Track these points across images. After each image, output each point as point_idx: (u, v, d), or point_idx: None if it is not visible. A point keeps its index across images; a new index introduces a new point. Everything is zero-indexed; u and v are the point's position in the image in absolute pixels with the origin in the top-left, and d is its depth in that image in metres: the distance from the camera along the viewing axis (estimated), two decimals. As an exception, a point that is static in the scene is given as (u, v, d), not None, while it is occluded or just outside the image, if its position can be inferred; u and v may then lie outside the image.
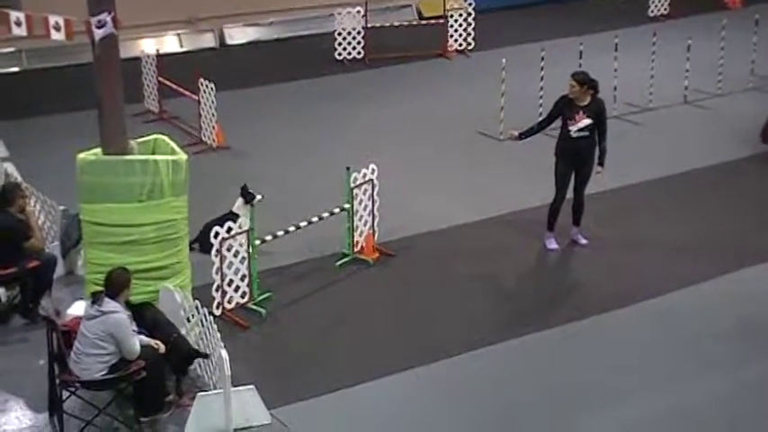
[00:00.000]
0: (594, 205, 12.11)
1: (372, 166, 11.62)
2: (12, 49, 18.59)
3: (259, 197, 11.31)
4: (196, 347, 8.86)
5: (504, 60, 15.28)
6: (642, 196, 13.32)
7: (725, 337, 9.88)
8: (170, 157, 9.38)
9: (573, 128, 11.30)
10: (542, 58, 15.56)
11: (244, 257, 10.37)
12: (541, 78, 15.31)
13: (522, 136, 11.82)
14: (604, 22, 20.38)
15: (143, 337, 8.59)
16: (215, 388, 8.55)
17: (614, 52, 16.02)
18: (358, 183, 11.43)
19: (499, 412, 8.79)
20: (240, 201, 11.42)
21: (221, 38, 20.52)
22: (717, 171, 14.02)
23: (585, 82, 11.29)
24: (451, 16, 19.59)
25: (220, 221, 10.57)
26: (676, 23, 20.77)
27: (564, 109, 11.38)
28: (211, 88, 14.69)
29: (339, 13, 19.02)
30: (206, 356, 8.79)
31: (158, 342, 8.63)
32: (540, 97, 15.22)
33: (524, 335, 9.97)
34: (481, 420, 8.68)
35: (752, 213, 12.63)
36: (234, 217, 10.89)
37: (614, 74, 15.95)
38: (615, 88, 15.98)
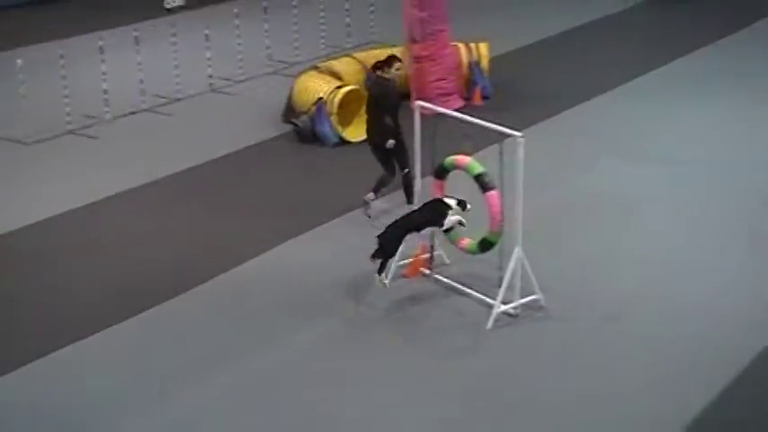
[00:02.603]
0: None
1: None
2: None
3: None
4: None
5: (19, 62, 14.78)
6: (180, 187, 13.50)
7: (272, 311, 10.38)
8: None
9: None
10: (62, 57, 15.24)
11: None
12: (63, 77, 14.99)
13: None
14: (120, 17, 20.33)
15: None
16: None
17: (136, 46, 16.05)
18: None
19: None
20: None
21: None
22: (249, 153, 14.59)
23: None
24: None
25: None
26: (193, 14, 21.22)
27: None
28: None
29: None
30: None
31: None
32: (66, 97, 14.92)
33: (106, 328, 9.78)
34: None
35: (288, 191, 13.30)
36: None
37: (139, 67, 16.00)
38: (142, 81, 16.06)
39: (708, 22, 20.45)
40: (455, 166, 10.28)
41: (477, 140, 10.63)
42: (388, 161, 12.22)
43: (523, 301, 10.08)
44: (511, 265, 9.93)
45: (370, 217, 12.27)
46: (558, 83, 16.89)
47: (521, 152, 9.55)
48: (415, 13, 15.37)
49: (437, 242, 10.84)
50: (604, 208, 12.43)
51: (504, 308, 9.99)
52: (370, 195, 12.36)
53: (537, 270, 10.09)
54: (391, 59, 12.02)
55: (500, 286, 9.97)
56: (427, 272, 10.86)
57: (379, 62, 12.10)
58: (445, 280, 10.70)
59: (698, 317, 10.04)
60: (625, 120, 15.25)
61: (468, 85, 16.22)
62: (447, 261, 10.97)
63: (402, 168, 12.16)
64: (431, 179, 10.63)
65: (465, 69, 16.21)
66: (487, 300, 10.15)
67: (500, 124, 9.97)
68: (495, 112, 14.00)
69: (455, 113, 10.83)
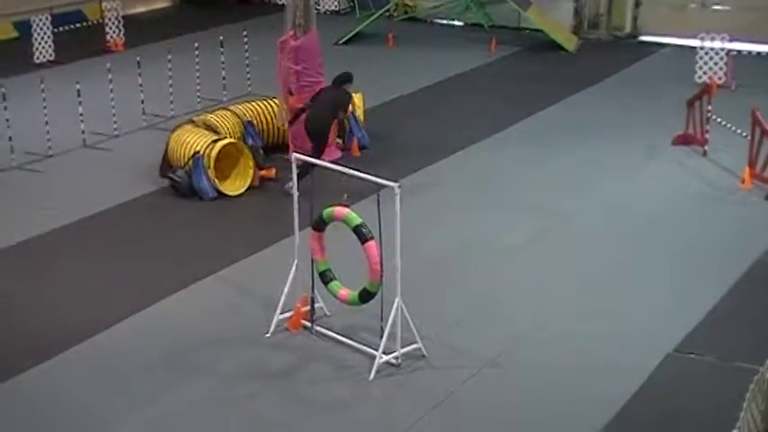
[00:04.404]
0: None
1: None
2: None
3: None
4: None
5: None
6: (52, 246, 13.15)
7: (149, 370, 10.16)
8: None
9: None
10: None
11: None
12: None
13: None
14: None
15: None
16: None
17: (3, 102, 15.65)
18: None
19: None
20: None
21: None
22: (125, 209, 14.31)
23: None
24: None
25: None
26: (64, 68, 20.83)
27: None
28: None
29: None
30: None
31: None
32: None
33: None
34: None
35: (165, 248, 13.09)
36: None
37: (7, 123, 15.59)
38: (11, 138, 15.63)
39: (571, 72, 21.10)
40: (333, 218, 10.29)
41: (354, 191, 10.67)
42: (319, 151, 14.08)
43: (405, 350, 10.10)
44: (391, 314, 9.96)
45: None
46: (433, 133, 17.14)
47: (398, 202, 9.64)
48: (291, 65, 15.42)
49: (318, 294, 10.80)
50: (482, 255, 12.61)
51: (385, 358, 9.99)
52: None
53: (418, 318, 10.14)
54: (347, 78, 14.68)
55: (382, 336, 9.98)
56: (308, 324, 10.79)
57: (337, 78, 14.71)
58: (327, 332, 10.65)
59: (578, 359, 10.22)
60: (498, 168, 15.55)
61: (346, 136, 16.30)
62: (328, 313, 10.94)
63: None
64: (309, 231, 10.61)
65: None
66: (369, 350, 10.14)
67: (377, 175, 10.05)
68: (372, 163, 14.12)
69: (332, 165, 10.87)
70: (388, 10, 24.67)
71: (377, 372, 9.89)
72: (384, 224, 9.87)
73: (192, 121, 15.67)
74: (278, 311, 10.69)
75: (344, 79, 14.87)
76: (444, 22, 25.29)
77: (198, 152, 14.51)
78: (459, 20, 25.09)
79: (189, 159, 14.56)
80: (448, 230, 13.35)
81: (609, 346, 10.44)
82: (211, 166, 14.45)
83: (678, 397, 9.61)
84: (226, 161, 14.79)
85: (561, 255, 12.63)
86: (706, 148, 15.76)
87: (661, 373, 9.94)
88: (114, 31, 22.87)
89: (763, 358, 8.36)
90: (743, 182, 14.57)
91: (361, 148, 16.33)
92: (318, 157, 12.97)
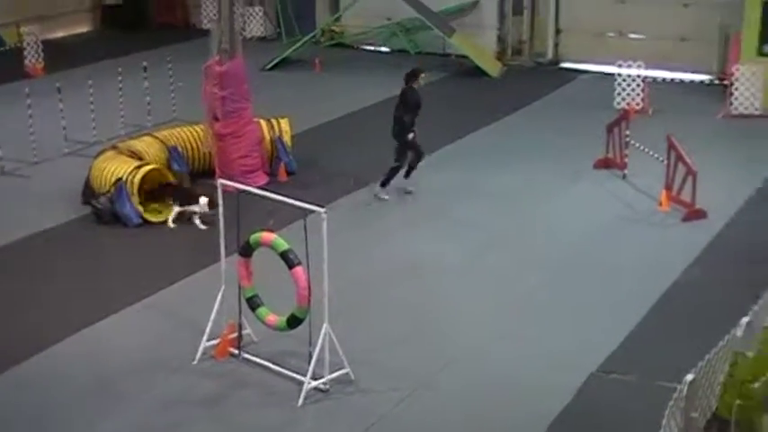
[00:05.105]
0: None
1: None
2: None
3: None
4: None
5: None
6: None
7: (77, 397, 10.01)
8: None
9: None
10: None
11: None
12: None
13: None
14: None
15: None
16: None
17: None
18: None
19: None
20: None
21: None
22: (45, 236, 14.11)
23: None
24: None
25: None
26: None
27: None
28: None
29: None
30: None
31: None
32: None
33: None
34: None
35: (88, 275, 12.93)
36: None
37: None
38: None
39: (495, 98, 21.40)
40: (260, 244, 10.29)
41: (281, 217, 10.69)
42: (402, 153, 15.17)
43: (333, 375, 10.11)
44: (319, 339, 9.97)
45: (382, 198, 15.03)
46: (361, 158, 17.22)
47: (324, 227, 9.67)
48: (216, 91, 15.40)
49: (245, 321, 10.77)
50: (410, 278, 12.69)
51: (314, 383, 9.99)
52: (378, 189, 15.22)
53: (346, 343, 10.17)
54: (417, 72, 15.30)
55: (310, 362, 9.98)
56: (236, 351, 10.74)
57: (407, 75, 15.29)
58: (255, 359, 10.62)
59: (506, 380, 10.34)
60: (426, 192, 15.68)
61: (273, 162, 16.33)
62: (255, 339, 10.90)
63: (419, 158, 15.34)
64: (236, 257, 10.58)
65: (268, 145, 16.32)
66: (297, 376, 10.13)
67: (305, 200, 10.08)
68: (299, 188, 14.15)
69: (259, 191, 10.88)
70: (314, 36, 24.77)
71: (305, 398, 9.89)
72: (312, 249, 9.90)
73: (116, 148, 15.53)
74: (205, 338, 10.63)
75: (410, 76, 15.31)
76: (371, 48, 25.47)
77: (121, 178, 14.38)
78: (385, 46, 25.30)
79: (111, 186, 14.42)
80: (376, 254, 13.42)
81: (536, 366, 10.58)
82: (135, 192, 14.33)
83: (602, 415, 9.79)
84: (151, 187, 14.68)
85: (489, 277, 12.78)
86: (625, 171, 16.11)
87: (586, 392, 10.12)
88: (33, 56, 22.56)
89: (681, 376, 8.55)
90: (660, 204, 14.92)
91: (289, 173, 16.34)
92: (401, 159, 15.14)
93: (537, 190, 15.78)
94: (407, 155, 15.31)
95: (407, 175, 15.46)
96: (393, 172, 15.32)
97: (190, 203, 14.24)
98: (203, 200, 14.13)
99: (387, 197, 15.30)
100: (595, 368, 10.53)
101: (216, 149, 15.55)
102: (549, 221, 14.59)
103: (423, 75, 15.47)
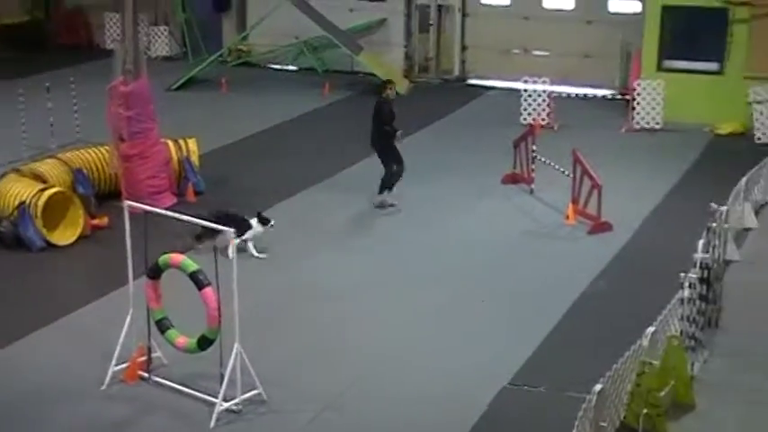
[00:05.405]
0: None
1: None
2: None
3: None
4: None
5: None
6: None
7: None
8: None
9: None
10: None
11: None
12: None
13: None
14: None
15: None
16: None
17: None
18: None
19: None
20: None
21: None
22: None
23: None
24: None
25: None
26: None
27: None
28: None
29: None
30: None
31: None
32: None
33: None
34: None
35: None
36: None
37: None
38: None
39: (403, 115, 21.52)
40: (169, 265, 10.16)
41: (190, 238, 10.58)
42: (388, 162, 15.57)
43: (245, 396, 10.02)
44: (231, 360, 9.88)
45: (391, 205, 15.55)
46: (269, 177, 17.16)
47: (233, 248, 9.60)
48: (121, 112, 15.19)
49: (155, 343, 10.61)
50: (321, 298, 12.66)
51: (226, 405, 9.89)
52: (378, 198, 15.52)
53: (258, 364, 10.09)
54: (385, 84, 16.06)
55: (222, 383, 9.87)
56: (146, 375, 10.58)
57: (378, 87, 16.28)
58: (165, 382, 10.46)
59: (417, 397, 10.38)
60: (334, 211, 15.69)
61: (181, 182, 16.16)
62: (165, 362, 10.74)
63: (397, 165, 15.60)
64: (144, 280, 10.43)
65: (176, 166, 16.15)
66: (209, 398, 10.01)
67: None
68: (208, 208, 14.01)
69: (166, 212, 10.75)
70: (221, 55, 24.62)
71: (217, 419, 9.78)
72: (222, 270, 9.81)
73: (18, 170, 15.19)
74: (113, 362, 10.43)
75: (380, 88, 16.11)
76: (278, 66, 25.42)
77: (24, 202, 14.07)
78: (293, 64, 25.27)
79: (14, 209, 14.10)
80: (287, 273, 13.36)
81: (447, 382, 10.64)
82: (38, 215, 14.03)
83: (514, 427, 9.89)
84: (55, 210, 14.39)
85: (398, 294, 12.82)
86: (532, 186, 16.36)
87: (497, 405, 10.21)
88: (-72, 78, 21.99)
89: (590, 387, 8.70)
90: (567, 218, 15.18)
91: (198, 193, 16.19)
92: (389, 171, 15.55)
93: (445, 206, 15.91)
94: (393, 159, 15.66)
95: (381, 190, 15.71)
96: (387, 179, 15.65)
97: (244, 232, 13.52)
98: (254, 223, 13.81)
99: (393, 202, 15.71)
100: (507, 381, 10.64)
101: (122, 171, 15.33)
102: (457, 237, 14.71)
103: (390, 86, 15.96)
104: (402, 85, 23.26)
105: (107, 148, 15.73)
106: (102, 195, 15.54)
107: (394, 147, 15.67)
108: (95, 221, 14.70)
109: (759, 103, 19.10)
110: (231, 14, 26.20)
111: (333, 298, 12.65)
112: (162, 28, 26.29)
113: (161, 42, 26.27)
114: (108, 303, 12.23)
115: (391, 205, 15.65)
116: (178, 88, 22.98)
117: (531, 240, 14.63)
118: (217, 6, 26.09)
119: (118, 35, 21.51)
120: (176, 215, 10.28)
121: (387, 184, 15.72)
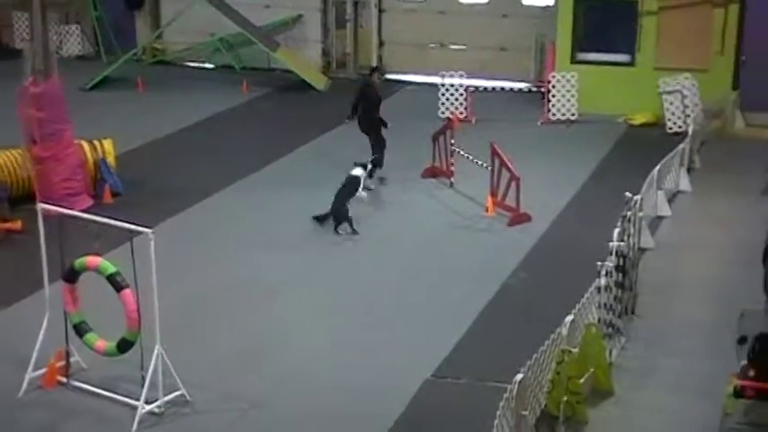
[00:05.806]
0: None
1: None
2: None
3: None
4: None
5: None
6: None
7: None
8: None
9: None
10: None
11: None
12: None
13: None
14: None
15: None
16: None
17: None
18: None
19: None
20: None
21: None
22: None
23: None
24: None
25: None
26: None
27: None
28: None
29: None
30: None
31: None
32: None
33: None
34: None
35: None
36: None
37: None
38: None
39: (321, 111, 21.53)
40: (86, 268, 10.01)
41: (108, 239, 10.42)
42: (378, 144, 16.43)
43: (168, 398, 9.93)
44: (152, 362, 9.77)
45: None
46: (187, 176, 16.99)
47: (152, 248, 9.50)
48: (33, 113, 14.89)
49: (73, 348, 10.44)
50: (242, 296, 12.59)
51: (148, 407, 9.78)
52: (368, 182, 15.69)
53: (180, 364, 9.99)
54: (373, 69, 17.84)
55: (143, 386, 9.76)
56: (64, 380, 10.40)
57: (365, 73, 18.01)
58: (85, 386, 10.30)
59: (343, 392, 10.39)
60: (255, 209, 15.61)
61: (97, 184, 15.91)
62: (85, 366, 10.58)
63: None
64: (61, 283, 10.25)
65: (91, 167, 15.89)
66: (131, 401, 9.89)
67: (131, 221, 9.87)
68: (126, 209, 13.85)
69: (82, 214, 10.58)
70: (136, 53, 24.29)
71: (140, 422, 9.67)
72: (141, 270, 9.69)
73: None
74: (30, 368, 10.24)
75: (369, 73, 17.59)
76: (195, 64, 25.18)
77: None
78: (209, 62, 25.05)
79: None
80: (207, 273, 13.25)
81: (371, 376, 10.67)
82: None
83: (437, 419, 9.97)
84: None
85: (320, 290, 12.82)
86: (452, 179, 16.48)
87: (421, 397, 10.28)
88: None
89: (511, 376, 8.80)
90: (487, 210, 15.33)
91: (115, 194, 15.96)
92: (380, 152, 16.38)
93: (367, 202, 15.93)
94: (383, 144, 16.57)
95: (371, 174, 16.00)
96: (376, 162, 16.16)
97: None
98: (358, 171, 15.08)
99: (372, 186, 16.16)
100: (430, 373, 10.71)
101: (35, 173, 15.03)
102: (379, 232, 14.75)
103: (377, 72, 17.66)
104: (320, 82, 23.24)
105: (19, 150, 15.41)
106: (15, 199, 15.22)
107: (381, 134, 16.67)
108: (8, 225, 14.40)
109: (669, 93, 19.51)
110: (144, 12, 25.88)
111: (257, 296, 12.59)
112: (73, 26, 25.84)
113: (73, 41, 25.82)
114: (23, 308, 11.99)
115: (369, 189, 15.98)
116: (92, 88, 22.62)
117: (451, 233, 14.74)
118: (129, 4, 25.74)
119: (26, 34, 21.08)
120: (92, 217, 10.11)
121: (377, 163, 16.30)
